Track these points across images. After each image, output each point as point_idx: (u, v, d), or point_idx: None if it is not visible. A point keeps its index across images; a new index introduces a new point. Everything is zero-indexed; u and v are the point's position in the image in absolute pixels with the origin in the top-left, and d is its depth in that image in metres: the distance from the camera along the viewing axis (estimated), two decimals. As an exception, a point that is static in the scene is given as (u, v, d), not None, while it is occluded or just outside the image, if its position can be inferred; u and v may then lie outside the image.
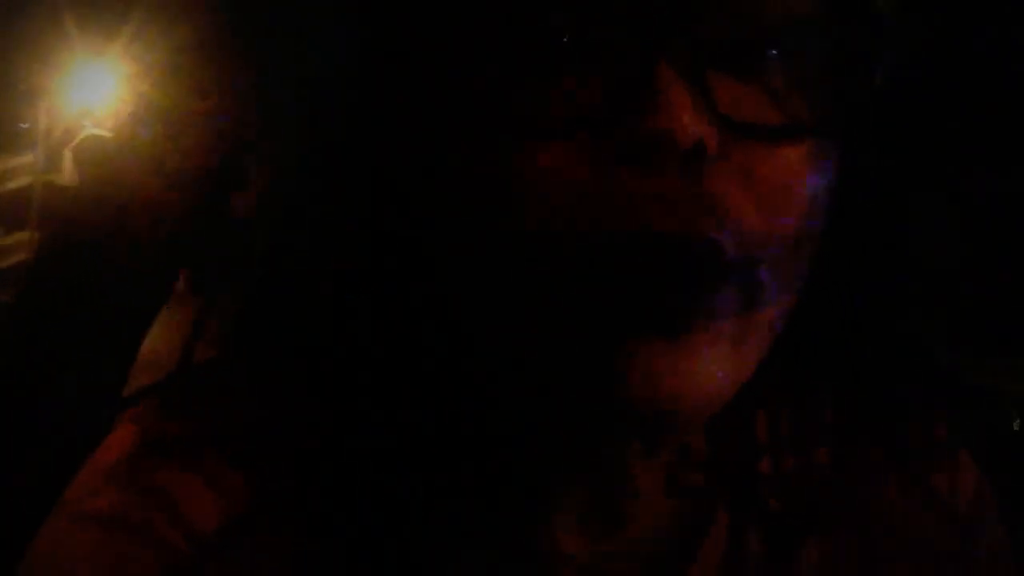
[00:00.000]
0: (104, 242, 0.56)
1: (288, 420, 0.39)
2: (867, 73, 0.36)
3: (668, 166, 0.32)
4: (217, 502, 0.37)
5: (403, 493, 0.38)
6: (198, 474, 0.38)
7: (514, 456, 0.40)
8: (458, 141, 0.35)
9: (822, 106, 0.35)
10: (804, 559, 0.43)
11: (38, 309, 0.57)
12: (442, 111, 0.35)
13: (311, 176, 0.39)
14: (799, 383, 0.44)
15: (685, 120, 0.32)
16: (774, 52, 0.34)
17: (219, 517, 0.37)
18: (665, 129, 0.32)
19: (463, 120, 0.35)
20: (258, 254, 0.42)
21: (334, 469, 0.38)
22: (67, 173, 3.56)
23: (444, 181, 0.36)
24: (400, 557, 0.38)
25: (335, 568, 0.37)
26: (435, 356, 0.38)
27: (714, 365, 0.34)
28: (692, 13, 0.33)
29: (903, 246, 0.42)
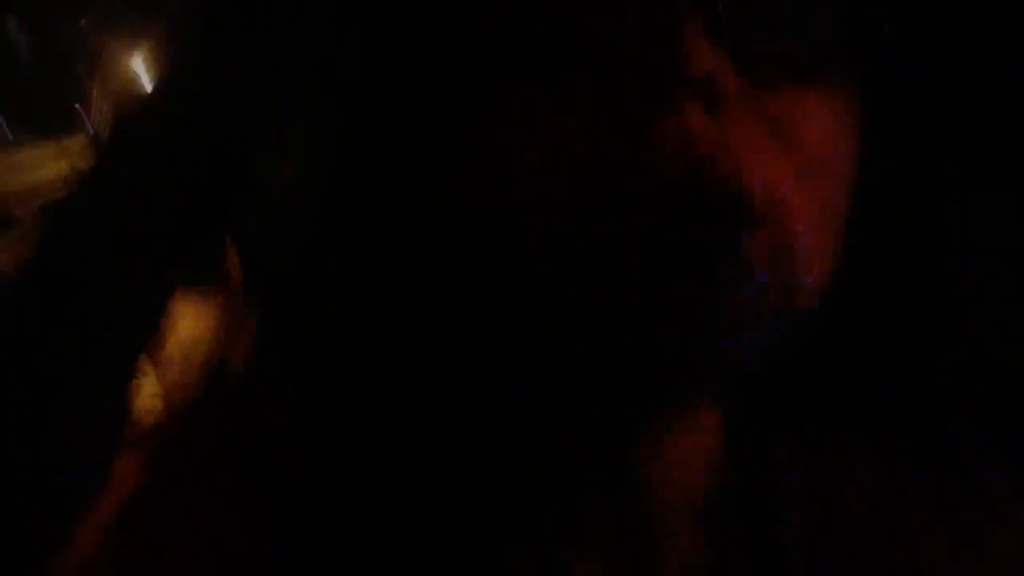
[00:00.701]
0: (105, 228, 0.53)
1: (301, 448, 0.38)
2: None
3: (688, 105, 0.31)
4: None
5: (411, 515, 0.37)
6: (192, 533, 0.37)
7: (529, 468, 0.38)
8: (472, 110, 0.34)
9: (844, 47, 0.34)
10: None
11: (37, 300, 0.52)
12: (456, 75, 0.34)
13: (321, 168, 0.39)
14: (833, 423, 0.40)
15: (702, 50, 0.30)
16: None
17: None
18: (681, 60, 0.30)
19: (477, 85, 0.34)
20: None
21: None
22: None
23: (460, 153, 0.35)
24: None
25: None
26: (449, 353, 0.38)
27: (747, 318, 0.33)
28: None
29: (948, 237, 0.39)
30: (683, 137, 0.31)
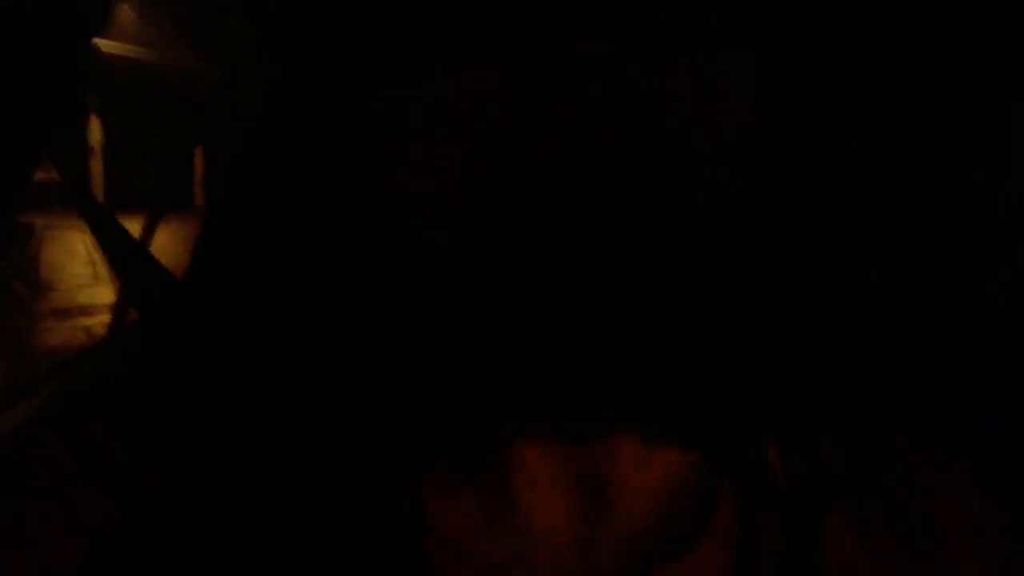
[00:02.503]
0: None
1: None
2: None
3: (586, 87, 0.30)
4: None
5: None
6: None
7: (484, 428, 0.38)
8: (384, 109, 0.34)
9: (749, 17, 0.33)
10: (837, 546, 0.39)
11: None
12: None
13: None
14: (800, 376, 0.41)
15: (596, 34, 0.30)
16: None
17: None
18: (578, 46, 0.30)
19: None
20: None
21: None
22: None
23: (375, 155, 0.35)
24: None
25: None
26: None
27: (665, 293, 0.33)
28: None
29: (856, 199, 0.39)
30: (579, 117, 0.31)
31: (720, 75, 0.33)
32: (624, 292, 0.33)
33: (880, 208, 0.44)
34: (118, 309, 0.57)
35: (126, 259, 0.62)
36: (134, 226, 0.72)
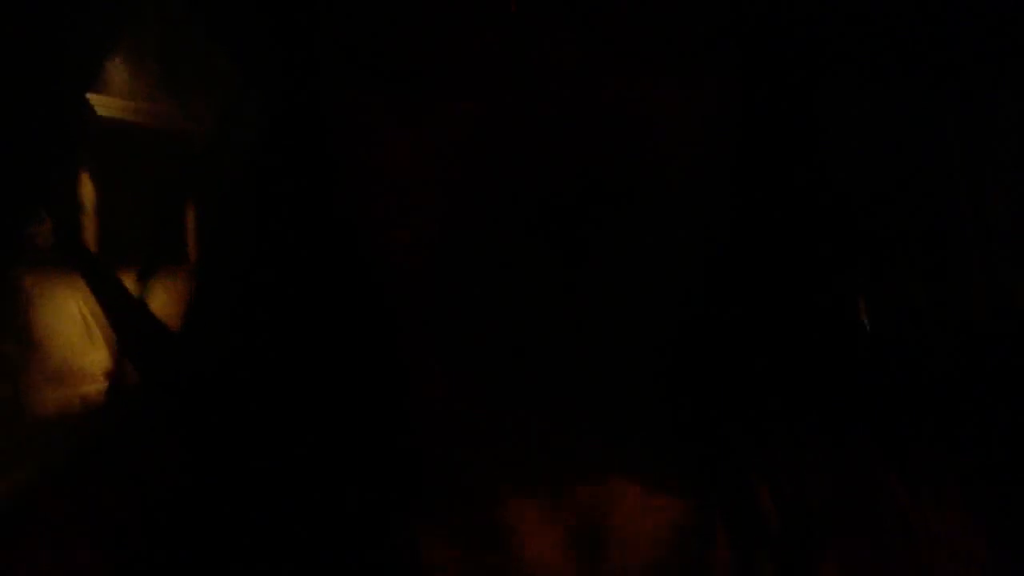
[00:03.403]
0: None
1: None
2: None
3: (562, 105, 0.31)
4: None
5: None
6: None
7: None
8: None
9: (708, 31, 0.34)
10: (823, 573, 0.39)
11: None
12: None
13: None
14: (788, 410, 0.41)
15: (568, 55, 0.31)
16: None
17: None
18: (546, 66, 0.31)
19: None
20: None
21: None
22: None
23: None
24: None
25: None
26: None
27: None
28: None
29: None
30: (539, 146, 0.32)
31: (693, 89, 0.34)
32: (607, 312, 0.33)
33: (856, 216, 0.43)
34: (114, 374, 0.57)
35: (123, 314, 0.62)
36: (128, 281, 0.71)
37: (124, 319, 0.62)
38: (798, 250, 0.40)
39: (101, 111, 1.02)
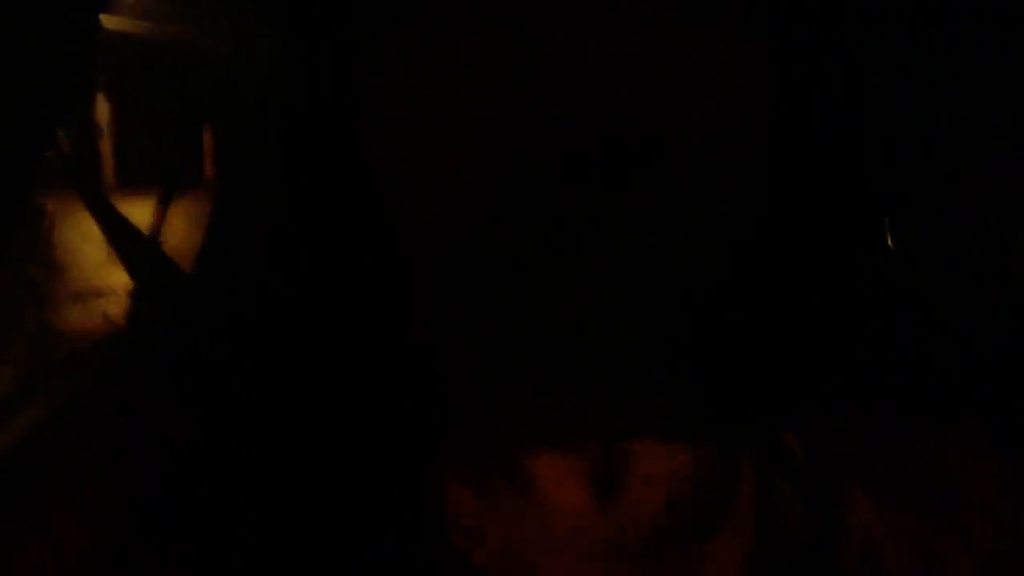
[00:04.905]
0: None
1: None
2: None
3: (588, 54, 0.30)
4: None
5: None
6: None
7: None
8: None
9: None
10: (851, 513, 0.39)
11: None
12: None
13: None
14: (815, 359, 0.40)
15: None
16: None
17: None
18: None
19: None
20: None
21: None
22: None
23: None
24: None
25: None
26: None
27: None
28: None
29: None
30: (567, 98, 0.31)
31: (732, 42, 0.33)
32: (634, 272, 0.32)
33: (885, 179, 0.43)
34: (134, 296, 0.57)
35: (134, 253, 0.62)
36: (145, 205, 0.71)
37: (135, 258, 0.62)
38: (831, 209, 0.39)
39: (117, 32, 1.01)
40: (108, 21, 0.97)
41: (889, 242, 0.45)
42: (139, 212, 0.69)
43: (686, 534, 0.38)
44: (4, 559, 0.35)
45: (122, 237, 0.65)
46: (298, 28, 0.37)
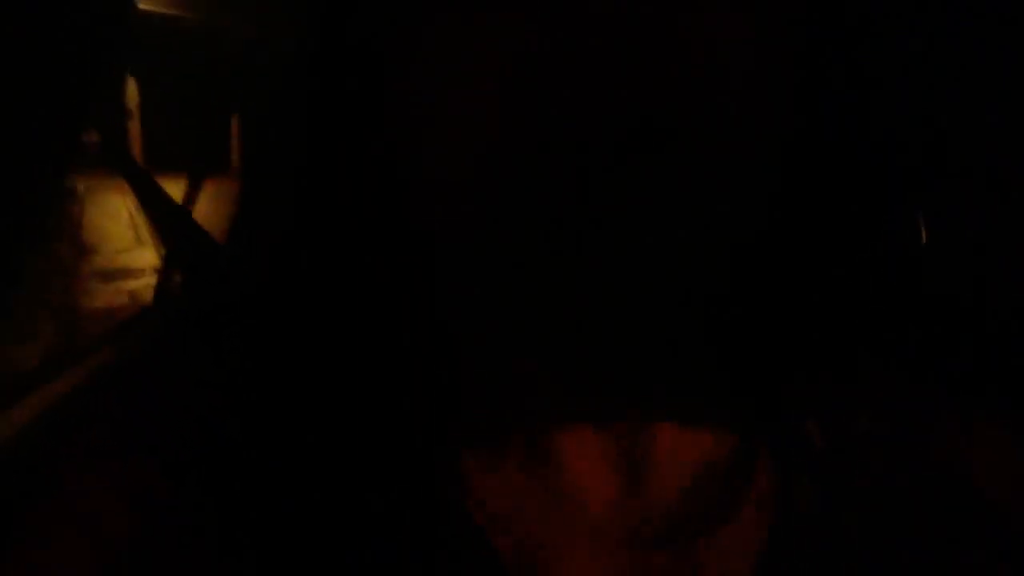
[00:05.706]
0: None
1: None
2: None
3: (613, 28, 0.30)
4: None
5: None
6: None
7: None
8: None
9: None
10: (868, 502, 0.39)
11: None
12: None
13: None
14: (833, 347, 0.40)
15: None
16: None
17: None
18: None
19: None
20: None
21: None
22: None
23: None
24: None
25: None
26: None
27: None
28: None
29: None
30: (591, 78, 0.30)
31: (754, 14, 0.33)
32: (657, 253, 0.32)
33: (907, 166, 0.43)
34: (162, 274, 0.57)
35: (169, 224, 0.62)
36: (174, 187, 0.72)
37: (169, 227, 0.63)
38: (853, 186, 0.40)
39: (147, 14, 1.02)
40: (140, 3, 0.98)
41: (923, 236, 0.45)
42: (168, 193, 0.69)
43: (705, 521, 0.38)
44: (43, 530, 0.35)
45: (156, 204, 0.66)
46: (324, 15, 0.37)
